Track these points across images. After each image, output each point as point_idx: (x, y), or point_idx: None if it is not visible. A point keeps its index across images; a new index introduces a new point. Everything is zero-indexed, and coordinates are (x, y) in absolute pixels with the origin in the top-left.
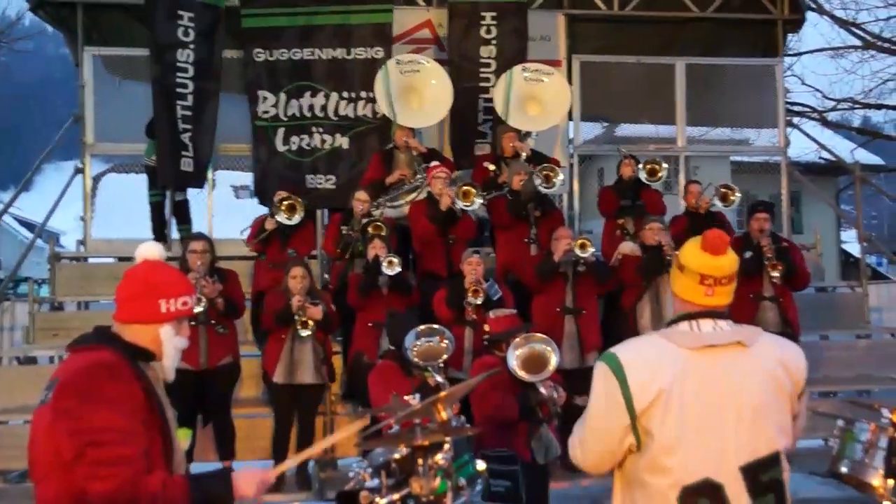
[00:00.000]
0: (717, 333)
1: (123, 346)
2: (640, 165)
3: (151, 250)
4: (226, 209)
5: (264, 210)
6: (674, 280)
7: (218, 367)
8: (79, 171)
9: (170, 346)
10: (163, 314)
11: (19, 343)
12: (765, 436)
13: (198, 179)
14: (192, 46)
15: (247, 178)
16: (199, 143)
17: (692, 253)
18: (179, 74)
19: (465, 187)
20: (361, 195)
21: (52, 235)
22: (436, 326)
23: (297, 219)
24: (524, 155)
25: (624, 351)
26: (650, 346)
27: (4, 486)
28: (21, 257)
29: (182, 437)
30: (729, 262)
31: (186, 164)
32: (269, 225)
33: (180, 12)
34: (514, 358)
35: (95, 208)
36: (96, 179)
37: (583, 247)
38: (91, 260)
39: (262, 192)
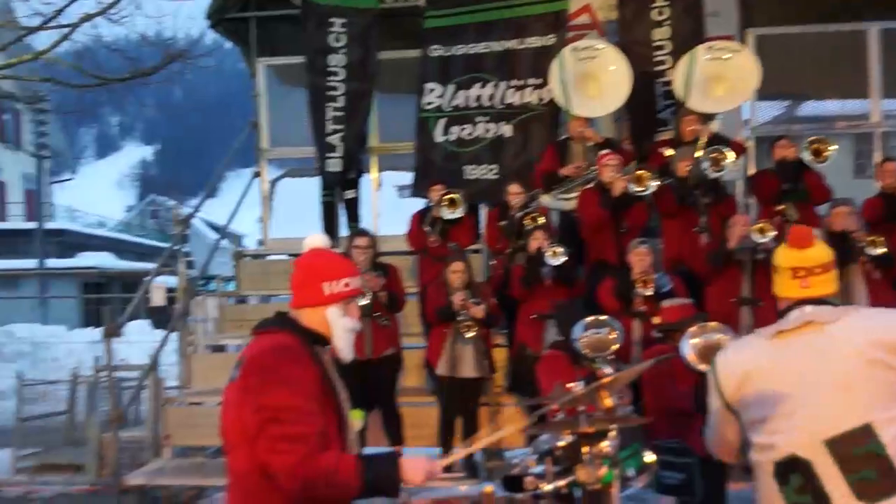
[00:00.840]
0: (792, 318)
1: (300, 331)
2: (805, 145)
3: (316, 240)
4: (392, 207)
5: (419, 206)
6: (773, 284)
7: (382, 357)
8: (256, 175)
9: (338, 326)
10: (326, 296)
11: (211, 333)
12: (853, 410)
13: (348, 179)
14: (343, 51)
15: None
16: (349, 143)
17: (780, 252)
18: (330, 78)
19: (638, 172)
20: (514, 188)
21: (236, 236)
22: (605, 318)
23: (459, 212)
24: (703, 139)
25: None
26: (741, 340)
27: (203, 460)
28: (209, 257)
29: (355, 418)
30: (817, 252)
31: (335, 165)
32: (437, 216)
33: (332, 19)
34: (689, 347)
35: (273, 210)
36: (273, 183)
37: (762, 231)
38: (270, 257)
39: (420, 185)
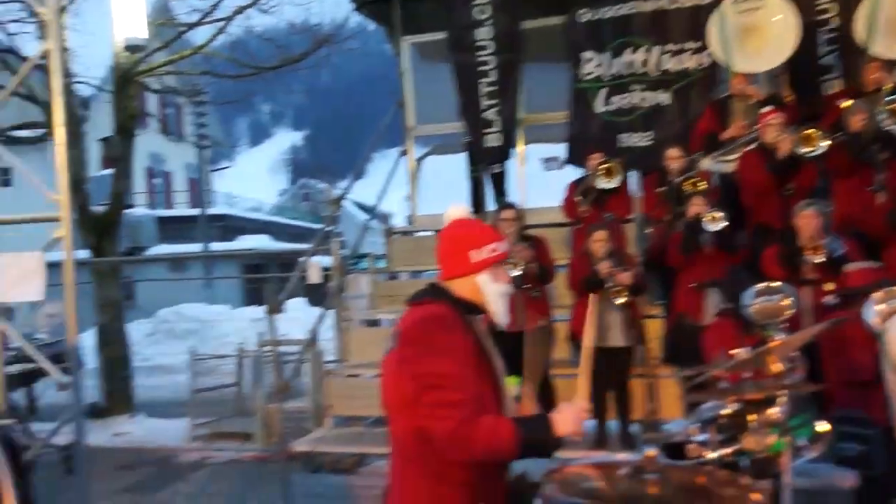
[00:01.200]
0: None
1: (453, 300)
2: None
3: (457, 211)
4: (537, 180)
5: (574, 176)
6: None
7: (533, 329)
8: (403, 153)
9: (490, 292)
10: (474, 264)
11: (364, 308)
12: None
13: (507, 152)
14: (489, 23)
15: (555, 150)
16: (506, 115)
17: None
18: (479, 53)
19: (806, 131)
20: (673, 152)
21: (384, 215)
22: (777, 284)
23: (615, 182)
24: (888, 88)
25: None
26: None
27: (362, 429)
28: (360, 236)
29: (511, 385)
30: None
31: (493, 140)
32: (592, 186)
33: None
34: (874, 313)
35: (419, 187)
36: (418, 161)
37: None
38: (419, 234)
39: (575, 156)
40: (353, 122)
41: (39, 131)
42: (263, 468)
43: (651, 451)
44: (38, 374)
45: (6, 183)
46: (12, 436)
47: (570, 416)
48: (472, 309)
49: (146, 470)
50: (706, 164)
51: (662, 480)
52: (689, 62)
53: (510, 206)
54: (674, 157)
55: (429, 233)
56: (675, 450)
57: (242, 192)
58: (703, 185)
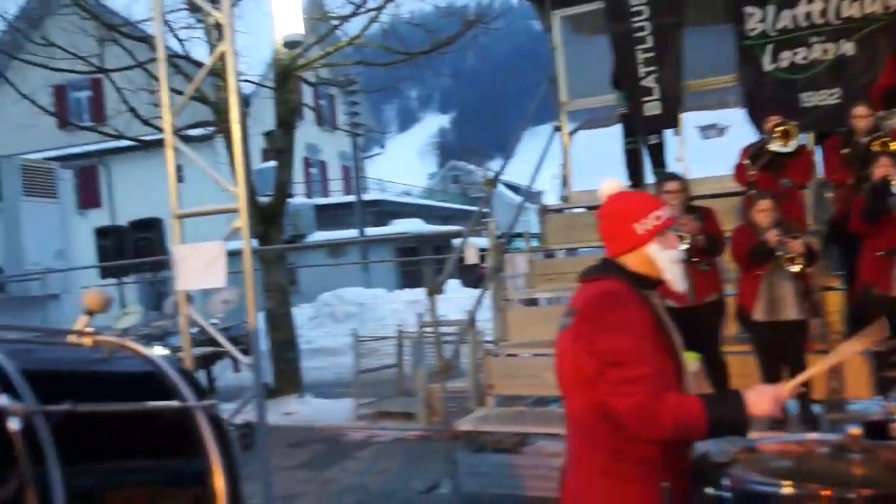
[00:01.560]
0: None
1: (627, 275)
2: None
3: (611, 186)
4: (697, 149)
5: (747, 141)
6: None
7: (704, 303)
8: (556, 129)
9: (662, 261)
10: (641, 235)
11: (522, 288)
12: None
13: (669, 120)
14: None
15: (714, 118)
16: (666, 82)
17: None
18: (635, 19)
19: None
20: (860, 110)
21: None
22: None
23: (792, 145)
24: None
25: None
26: None
27: (523, 409)
28: (515, 215)
29: (690, 360)
30: None
31: (653, 108)
32: (764, 150)
33: None
34: None
35: (572, 163)
36: (571, 135)
37: None
38: (573, 211)
39: (753, 119)
40: (499, 102)
41: (209, 129)
42: (427, 447)
43: (855, 430)
44: (217, 356)
45: (179, 179)
46: (217, 413)
47: (769, 396)
48: (646, 283)
49: (316, 447)
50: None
51: (869, 460)
52: (875, 5)
53: (674, 176)
54: (861, 116)
55: (583, 209)
56: (874, 429)
57: (393, 178)
58: (894, 145)
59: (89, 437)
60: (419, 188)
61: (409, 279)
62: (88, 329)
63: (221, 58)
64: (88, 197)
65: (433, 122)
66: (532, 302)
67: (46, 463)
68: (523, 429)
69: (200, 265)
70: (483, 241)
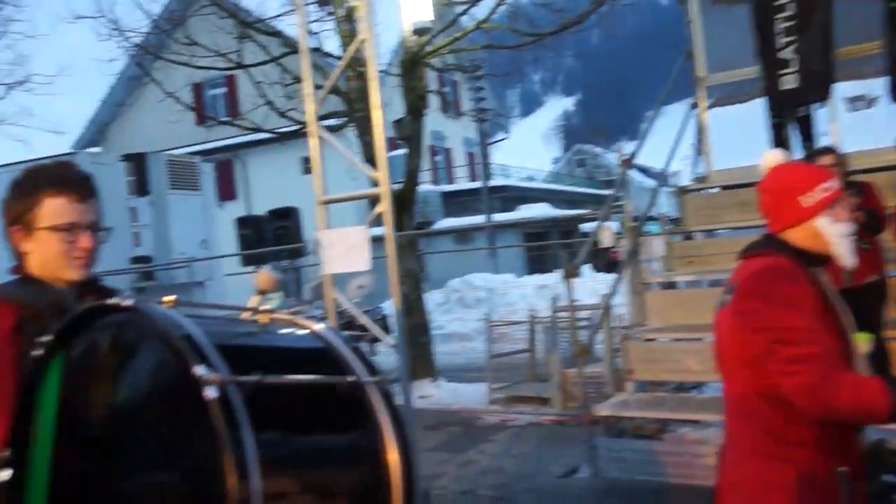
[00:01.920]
0: None
1: (792, 251)
2: None
3: (772, 157)
4: (849, 121)
5: None
6: None
7: (864, 284)
8: (693, 106)
9: (832, 235)
10: (806, 209)
11: (659, 271)
12: None
13: (816, 92)
14: None
15: (860, 88)
16: (808, 53)
17: None
18: None
19: None
20: None
21: (664, 174)
22: None
23: None
24: None
25: None
26: None
27: (664, 394)
28: (651, 198)
29: (861, 341)
30: None
31: (790, 82)
32: None
33: None
34: None
35: (711, 140)
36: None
37: None
38: (712, 191)
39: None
40: (624, 81)
41: (340, 120)
42: (563, 431)
43: None
44: (357, 339)
45: (308, 170)
46: (389, 389)
47: None
48: (812, 259)
49: (451, 430)
50: None
51: None
52: None
53: (829, 150)
54: None
55: (719, 189)
56: None
57: (517, 163)
58: None
59: (273, 408)
60: (544, 173)
61: (536, 264)
62: (263, 307)
63: (364, 45)
64: (225, 189)
65: (557, 106)
66: (670, 285)
67: (240, 430)
68: (664, 415)
69: (345, 249)
70: (615, 224)
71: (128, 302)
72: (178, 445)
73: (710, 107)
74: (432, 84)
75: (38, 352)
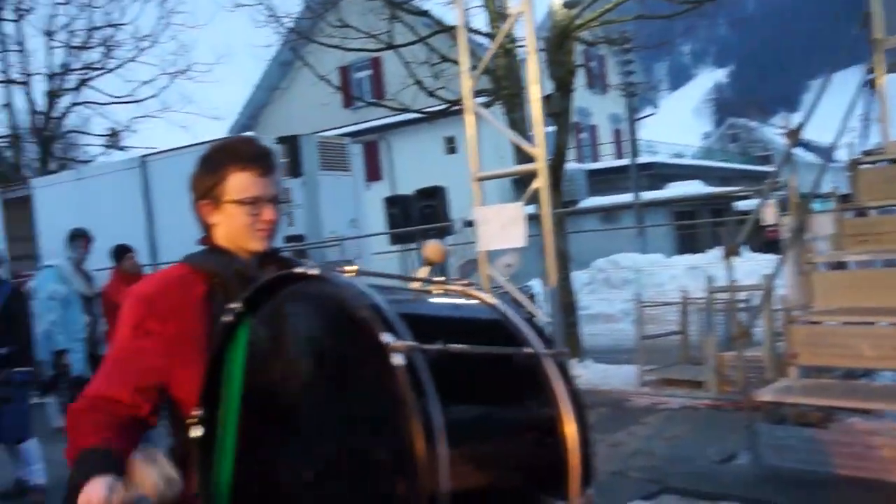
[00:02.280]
0: None
1: None
2: None
3: None
4: None
5: None
6: None
7: None
8: (869, 71)
9: None
10: None
11: (827, 250)
12: None
13: None
14: None
15: None
16: None
17: None
18: None
19: None
20: None
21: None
22: None
23: None
24: None
25: None
26: None
27: (831, 381)
28: (819, 173)
29: None
30: None
31: None
32: None
33: None
34: None
35: (889, 109)
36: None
37: None
38: (887, 164)
39: None
40: (782, 50)
41: (486, 99)
42: (718, 416)
43: None
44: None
45: (453, 150)
46: (565, 362)
47: None
48: None
49: (601, 411)
50: None
51: None
52: None
53: None
54: None
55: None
56: None
57: (666, 139)
58: None
59: (454, 377)
60: (694, 149)
61: (686, 244)
62: (436, 278)
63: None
64: (371, 170)
65: (708, 78)
66: (840, 265)
67: (426, 397)
68: (832, 402)
69: (500, 226)
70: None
71: (314, 271)
72: (361, 412)
73: (889, 72)
74: (579, 59)
75: (227, 318)
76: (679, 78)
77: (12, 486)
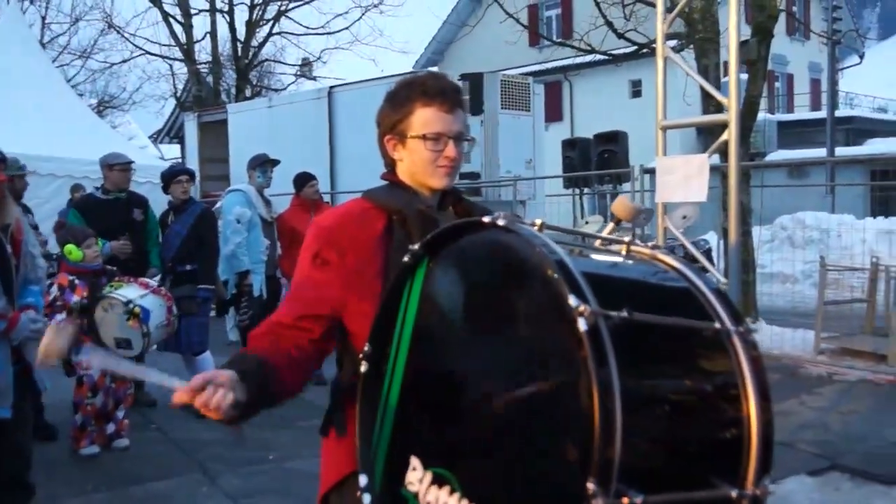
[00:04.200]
0: None
1: None
2: None
3: None
4: None
5: None
6: None
7: None
8: None
9: None
10: None
11: None
12: None
13: None
14: None
15: None
16: None
17: None
18: None
19: None
20: None
21: None
22: None
23: None
24: None
25: None
26: None
27: None
28: None
29: None
30: None
31: None
32: None
33: None
34: None
35: None
36: None
37: None
38: None
39: None
40: None
41: (677, 43)
42: None
43: None
44: None
45: (637, 94)
46: (753, 339)
47: None
48: None
49: (771, 376)
50: None
51: None
52: None
53: None
54: None
55: None
56: None
57: (868, 92)
58: None
59: (636, 346)
60: None
61: (881, 206)
62: (623, 238)
63: None
64: (552, 111)
65: None
66: None
67: (607, 365)
68: None
69: (683, 177)
70: None
71: (502, 221)
72: (534, 372)
73: None
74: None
75: (405, 259)
76: (891, 25)
77: None
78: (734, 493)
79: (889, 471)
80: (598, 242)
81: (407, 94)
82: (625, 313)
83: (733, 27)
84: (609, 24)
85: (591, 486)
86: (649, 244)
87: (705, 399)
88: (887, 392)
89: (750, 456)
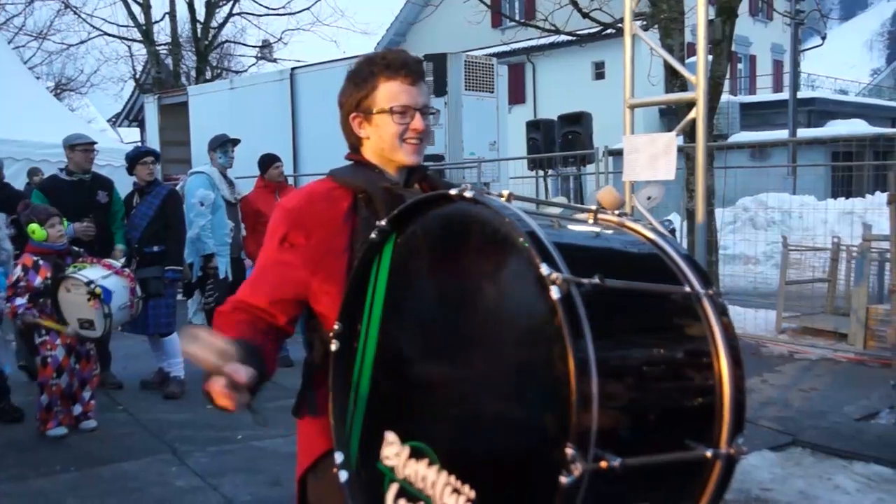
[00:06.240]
0: None
1: None
2: None
3: None
4: None
5: None
6: None
7: None
8: None
9: None
10: None
11: None
12: None
13: None
14: None
15: None
16: None
17: None
18: None
19: None
20: None
21: None
22: None
23: None
24: None
25: None
26: None
27: None
28: None
29: None
30: None
31: None
32: None
33: None
34: None
35: None
36: None
37: None
38: None
39: None
40: None
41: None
42: (862, 372)
43: None
44: None
45: (600, 76)
46: (721, 301)
47: None
48: None
49: None
50: None
51: None
52: None
53: None
54: None
55: None
56: None
57: (829, 73)
58: None
59: (609, 312)
60: (861, 86)
61: (842, 187)
62: (590, 207)
63: None
64: (515, 93)
65: (886, 8)
66: None
67: (582, 331)
68: None
69: (650, 157)
70: None
71: (469, 193)
72: (507, 341)
73: None
74: None
75: (372, 235)
76: (852, 6)
77: (154, 376)
78: (709, 454)
79: (848, 445)
80: (568, 213)
81: (370, 69)
82: (596, 280)
83: (702, 3)
84: (574, 3)
85: (569, 451)
86: (616, 212)
87: (679, 363)
88: (847, 370)
89: (723, 417)
